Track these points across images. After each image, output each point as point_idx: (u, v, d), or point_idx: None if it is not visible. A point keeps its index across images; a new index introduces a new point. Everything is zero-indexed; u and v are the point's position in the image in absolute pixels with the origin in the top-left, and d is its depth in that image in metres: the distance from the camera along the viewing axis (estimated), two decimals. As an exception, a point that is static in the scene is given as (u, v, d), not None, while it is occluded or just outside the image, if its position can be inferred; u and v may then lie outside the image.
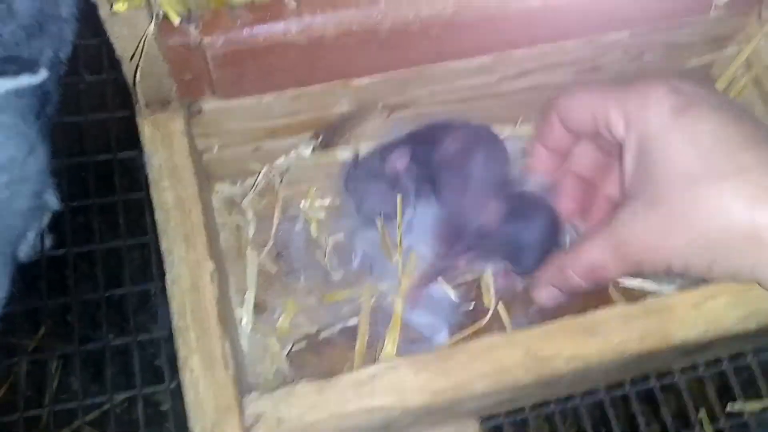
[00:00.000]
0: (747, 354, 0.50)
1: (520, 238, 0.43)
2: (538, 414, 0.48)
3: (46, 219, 0.52)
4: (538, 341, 0.34)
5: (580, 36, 0.44)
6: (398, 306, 0.43)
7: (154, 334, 0.51)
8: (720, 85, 0.51)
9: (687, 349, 0.38)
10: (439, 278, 0.44)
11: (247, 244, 0.46)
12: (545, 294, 0.41)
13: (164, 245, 0.36)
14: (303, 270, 0.46)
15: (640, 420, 0.48)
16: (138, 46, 0.35)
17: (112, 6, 0.32)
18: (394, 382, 0.33)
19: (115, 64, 0.37)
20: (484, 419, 0.45)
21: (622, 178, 0.38)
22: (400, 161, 0.44)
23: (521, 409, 0.47)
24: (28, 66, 0.41)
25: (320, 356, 0.44)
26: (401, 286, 0.44)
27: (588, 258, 0.38)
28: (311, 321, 0.45)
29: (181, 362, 0.33)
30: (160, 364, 0.51)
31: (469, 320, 0.44)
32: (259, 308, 0.45)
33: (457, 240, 0.43)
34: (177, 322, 0.34)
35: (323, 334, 0.44)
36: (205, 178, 0.46)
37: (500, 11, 0.40)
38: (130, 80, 0.37)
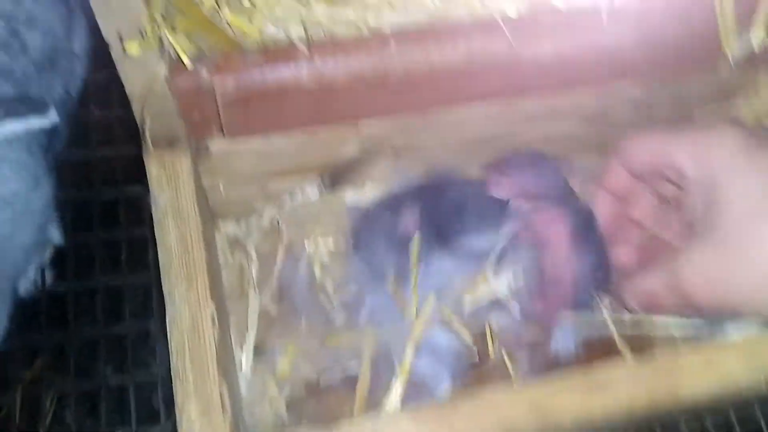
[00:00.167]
0: (754, 405, 0.49)
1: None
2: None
3: (48, 253, 0.52)
4: (543, 396, 0.33)
5: (590, 85, 0.44)
6: (408, 353, 0.42)
7: (153, 370, 0.51)
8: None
9: (696, 410, 0.37)
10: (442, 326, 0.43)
11: (250, 285, 0.46)
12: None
13: (166, 285, 0.36)
14: (305, 312, 0.45)
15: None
16: (148, 86, 0.35)
17: (125, 49, 0.33)
18: (396, 435, 0.32)
19: (124, 100, 0.37)
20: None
21: (685, 219, 0.37)
22: (411, 220, 0.43)
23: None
24: (39, 107, 0.41)
25: (320, 401, 0.43)
26: (413, 332, 0.42)
27: (645, 286, 0.38)
28: (312, 364, 0.44)
29: (178, 406, 0.32)
30: (157, 402, 0.50)
31: (473, 368, 0.43)
32: (259, 350, 0.44)
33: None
34: (175, 362, 0.34)
35: (323, 380, 0.43)
36: (210, 217, 0.46)
37: (511, 59, 0.40)
38: (139, 118, 0.38)
